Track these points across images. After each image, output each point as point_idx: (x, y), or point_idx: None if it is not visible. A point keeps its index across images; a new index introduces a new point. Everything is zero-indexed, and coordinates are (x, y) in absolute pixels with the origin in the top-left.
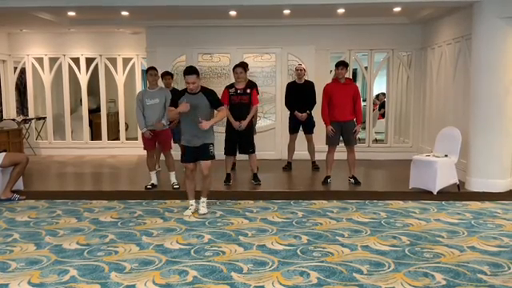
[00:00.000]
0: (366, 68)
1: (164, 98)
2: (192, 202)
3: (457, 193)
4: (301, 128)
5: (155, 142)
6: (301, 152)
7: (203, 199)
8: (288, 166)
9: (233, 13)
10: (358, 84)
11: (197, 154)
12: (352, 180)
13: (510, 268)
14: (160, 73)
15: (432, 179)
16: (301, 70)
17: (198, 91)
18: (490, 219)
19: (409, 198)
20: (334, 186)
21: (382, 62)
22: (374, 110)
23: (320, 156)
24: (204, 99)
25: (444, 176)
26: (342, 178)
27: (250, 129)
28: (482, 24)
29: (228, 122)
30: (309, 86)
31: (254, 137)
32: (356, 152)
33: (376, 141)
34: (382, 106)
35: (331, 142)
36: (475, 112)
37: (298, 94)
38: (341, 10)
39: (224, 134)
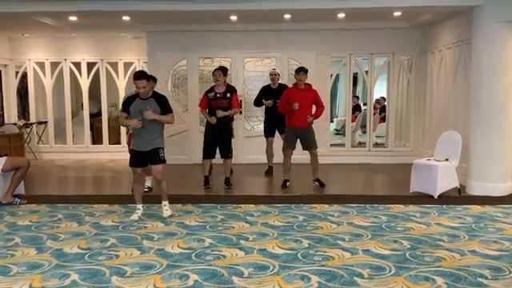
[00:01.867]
0: (366, 72)
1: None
2: (139, 206)
3: (457, 197)
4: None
5: None
6: (296, 156)
7: (164, 202)
8: (270, 171)
9: (233, 17)
10: (359, 88)
11: (146, 158)
12: (316, 183)
13: (510, 272)
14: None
15: (433, 183)
16: (275, 74)
17: (149, 96)
18: (490, 223)
19: (409, 202)
20: (335, 189)
21: (383, 66)
22: (374, 114)
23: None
24: (154, 104)
25: (445, 180)
26: (341, 182)
27: (230, 133)
28: (482, 28)
29: (206, 125)
30: (282, 90)
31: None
32: (357, 156)
33: (377, 145)
34: (383, 109)
35: (287, 146)
36: (476, 116)
37: (271, 98)
38: (341, 15)
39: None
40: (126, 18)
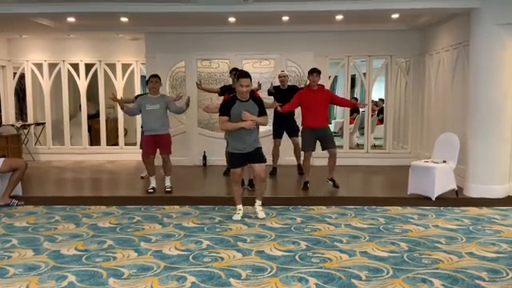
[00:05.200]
0: (364, 74)
1: (165, 103)
2: (240, 206)
3: (455, 199)
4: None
5: (156, 146)
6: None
7: (259, 202)
8: (274, 172)
9: (232, 19)
10: (357, 90)
11: (247, 159)
12: (330, 182)
13: (508, 274)
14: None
15: (430, 185)
16: (284, 76)
17: (248, 98)
18: (488, 225)
19: (407, 204)
20: (333, 191)
21: (381, 68)
22: (372, 115)
23: (318, 161)
24: (255, 107)
25: (442, 182)
26: (340, 184)
27: None
28: (480, 30)
29: None
30: (292, 91)
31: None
32: (355, 158)
33: (374, 146)
34: (381, 111)
35: (306, 147)
36: (473, 118)
37: (282, 99)
38: (339, 17)
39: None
40: (124, 19)
